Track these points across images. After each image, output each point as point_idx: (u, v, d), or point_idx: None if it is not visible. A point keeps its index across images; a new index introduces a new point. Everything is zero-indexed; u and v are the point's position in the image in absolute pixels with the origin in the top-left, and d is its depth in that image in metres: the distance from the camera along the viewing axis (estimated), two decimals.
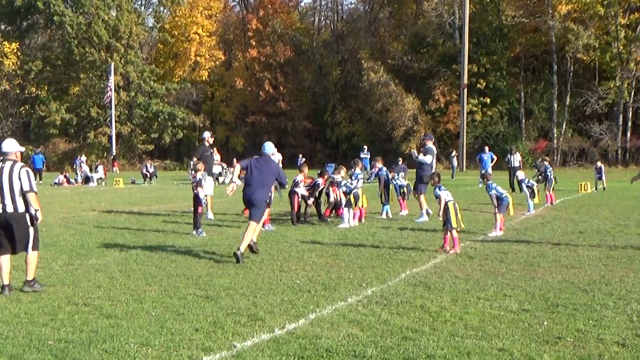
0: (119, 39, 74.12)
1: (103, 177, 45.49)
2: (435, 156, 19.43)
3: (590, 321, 7.97)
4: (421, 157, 19.05)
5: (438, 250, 13.32)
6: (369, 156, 44.25)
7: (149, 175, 45.06)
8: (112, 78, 68.20)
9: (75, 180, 45.09)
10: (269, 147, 13.48)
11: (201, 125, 77.94)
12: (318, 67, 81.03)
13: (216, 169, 44.71)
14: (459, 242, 13.22)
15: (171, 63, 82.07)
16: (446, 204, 13.24)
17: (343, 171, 19.26)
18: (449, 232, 13.30)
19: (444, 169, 61.04)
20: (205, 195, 19.33)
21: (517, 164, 30.83)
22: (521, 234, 15.92)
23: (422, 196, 18.94)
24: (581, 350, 6.88)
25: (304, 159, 62.07)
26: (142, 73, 75.22)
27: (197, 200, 15.99)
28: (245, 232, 12.58)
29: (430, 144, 19.43)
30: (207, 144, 20.60)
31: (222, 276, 10.89)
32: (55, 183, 42.49)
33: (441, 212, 13.44)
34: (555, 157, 63.04)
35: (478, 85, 64.81)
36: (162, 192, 33.77)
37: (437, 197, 13.58)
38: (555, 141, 64.25)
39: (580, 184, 31.29)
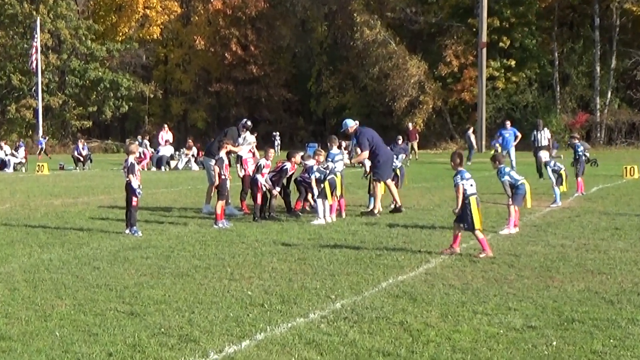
0: None
1: (23, 161, 45.19)
2: None
3: (611, 340, 7.96)
4: None
5: (444, 251, 13.23)
6: None
7: (81, 158, 44.87)
8: (38, 36, 67.82)
9: None
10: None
11: (152, 96, 77.75)
12: (299, 22, 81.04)
13: (167, 150, 44.81)
14: (486, 242, 13.09)
15: (114, 18, 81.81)
16: (467, 198, 13.04)
17: (322, 156, 19.11)
18: (460, 232, 13.19)
19: (459, 149, 61.19)
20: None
21: (545, 143, 30.56)
22: (541, 232, 15.92)
23: None
24: None
25: (279, 138, 62.53)
26: (77, 30, 74.96)
27: (129, 191, 15.87)
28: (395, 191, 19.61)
29: None
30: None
31: (155, 287, 10.83)
32: None
33: (458, 207, 13.21)
34: (598, 134, 63.26)
35: (500, 44, 64.92)
36: (95, 181, 33.69)
37: (456, 185, 13.24)
38: (599, 114, 64.38)
39: (626, 168, 31.31)
